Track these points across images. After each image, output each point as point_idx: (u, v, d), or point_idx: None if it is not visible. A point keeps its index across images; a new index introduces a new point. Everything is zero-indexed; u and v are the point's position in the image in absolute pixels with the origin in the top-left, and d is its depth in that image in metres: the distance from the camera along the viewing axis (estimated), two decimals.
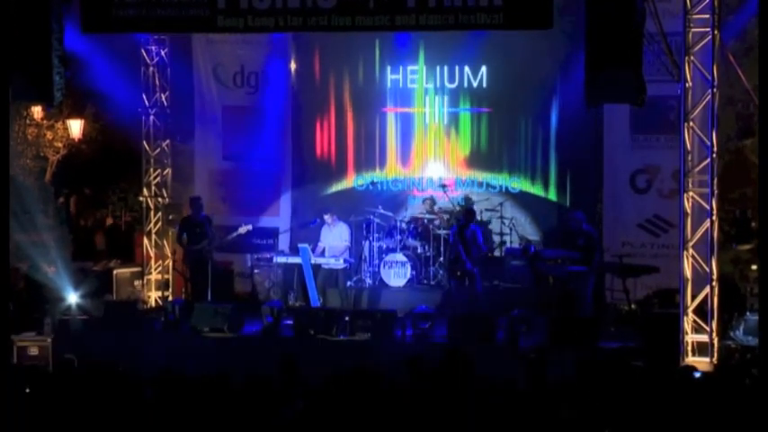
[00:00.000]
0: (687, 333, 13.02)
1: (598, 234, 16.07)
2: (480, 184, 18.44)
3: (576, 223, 15.71)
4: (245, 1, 13.83)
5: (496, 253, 17.49)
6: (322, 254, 16.96)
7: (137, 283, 18.50)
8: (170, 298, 18.10)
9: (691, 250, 13.02)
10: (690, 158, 13.06)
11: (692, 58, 12.94)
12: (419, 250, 17.51)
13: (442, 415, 8.68)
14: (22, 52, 13.52)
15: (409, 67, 18.66)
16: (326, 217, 17.10)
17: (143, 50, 18.49)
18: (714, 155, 12.93)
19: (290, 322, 15.40)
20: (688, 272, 13.05)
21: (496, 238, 17.56)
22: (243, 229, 17.30)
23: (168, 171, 18.93)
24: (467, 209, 16.51)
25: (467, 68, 18.38)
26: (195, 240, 17.04)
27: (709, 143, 12.91)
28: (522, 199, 18.30)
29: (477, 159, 18.55)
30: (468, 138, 18.62)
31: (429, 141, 18.76)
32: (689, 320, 13.02)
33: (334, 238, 17.03)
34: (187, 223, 17.32)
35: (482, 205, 17.75)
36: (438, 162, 18.68)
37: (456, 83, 18.48)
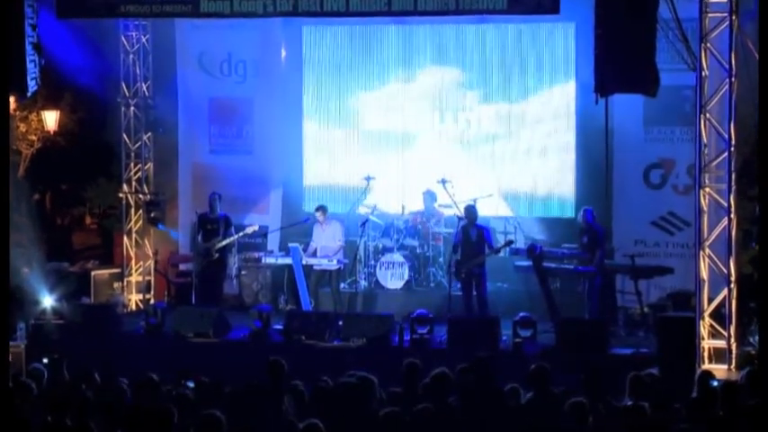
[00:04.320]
0: (704, 338, 12.99)
1: (604, 232, 16.04)
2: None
3: (583, 220, 15.73)
4: None
5: (501, 253, 17.41)
6: (314, 254, 16.92)
7: (116, 285, 18.48)
8: (152, 301, 18.09)
9: (707, 250, 12.99)
10: (706, 152, 13.05)
11: (708, 45, 12.92)
12: (418, 250, 17.48)
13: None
14: None
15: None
16: (318, 215, 17.07)
17: (123, 37, 18.46)
18: (732, 148, 12.90)
19: (279, 327, 15.37)
20: (704, 273, 13.03)
21: (500, 237, 17.50)
22: (250, 230, 17.18)
23: (150, 166, 18.91)
24: (467, 206, 16.45)
25: (472, 55, 18.43)
26: (206, 238, 16.99)
27: (726, 136, 12.89)
28: None
29: None
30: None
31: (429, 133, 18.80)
32: (705, 325, 12.99)
33: (328, 237, 16.99)
34: (201, 220, 17.23)
35: (485, 202, 17.69)
36: (438, 155, 18.69)
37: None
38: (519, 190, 18.34)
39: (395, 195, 18.53)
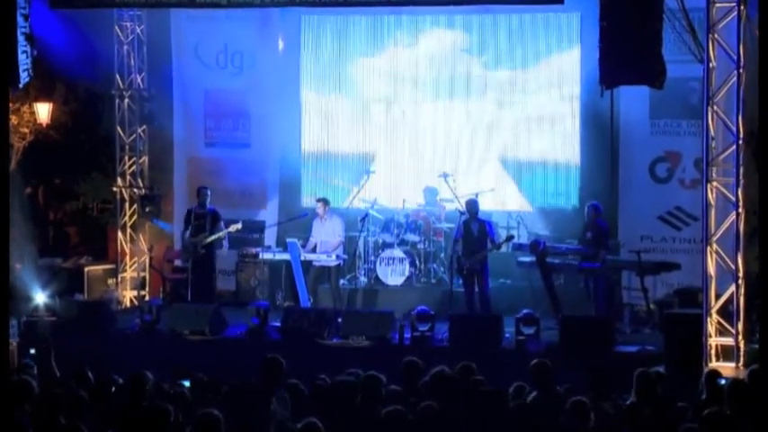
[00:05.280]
0: (711, 335, 12.99)
1: (608, 228, 16.06)
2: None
3: (588, 214, 15.75)
4: None
5: (503, 248, 17.43)
6: (313, 250, 16.91)
7: (110, 281, 18.48)
8: (147, 297, 18.06)
9: (715, 245, 12.99)
10: (714, 145, 13.04)
11: (715, 35, 12.91)
12: (418, 245, 17.47)
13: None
14: None
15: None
16: (319, 206, 17.03)
17: (117, 28, 18.45)
18: (740, 141, 12.89)
19: (277, 324, 15.37)
20: (712, 269, 13.02)
21: (502, 232, 17.51)
22: (233, 228, 17.00)
23: (144, 159, 18.92)
24: (468, 200, 16.44)
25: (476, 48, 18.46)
26: (194, 233, 16.93)
27: (734, 128, 12.88)
28: None
29: None
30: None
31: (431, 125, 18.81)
32: (713, 322, 12.99)
33: (327, 232, 16.97)
34: (190, 215, 17.16)
35: (488, 196, 17.71)
36: (440, 149, 18.71)
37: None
38: (520, 161, 18.45)
39: (396, 189, 18.54)
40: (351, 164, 18.96)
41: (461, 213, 16.33)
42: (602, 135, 17.29)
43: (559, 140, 18.25)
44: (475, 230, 16.02)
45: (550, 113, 18.29)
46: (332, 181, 18.81)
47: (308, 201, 18.81)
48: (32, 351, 12.50)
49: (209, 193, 17.08)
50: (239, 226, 17.16)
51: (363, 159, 18.81)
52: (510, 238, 16.49)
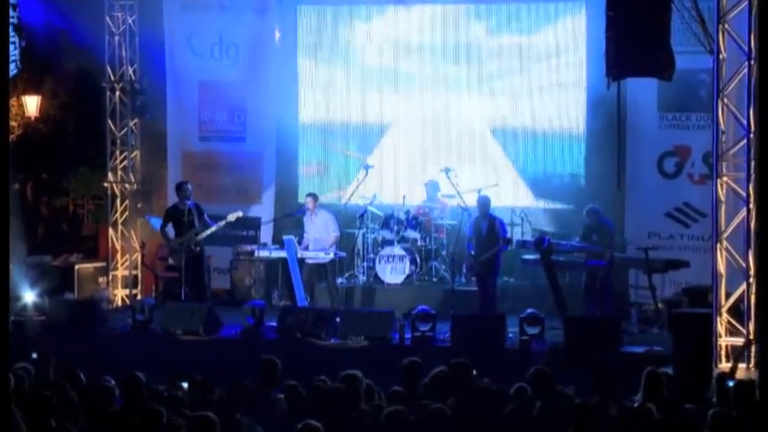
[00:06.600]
0: (721, 336, 12.96)
1: (615, 228, 16.07)
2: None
3: (591, 218, 15.76)
4: None
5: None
6: (308, 248, 16.90)
7: (101, 279, 18.49)
8: (139, 296, 18.09)
9: (725, 242, 12.96)
10: (724, 139, 13.00)
11: (726, 26, 12.88)
12: (419, 243, 17.46)
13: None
14: None
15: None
16: (308, 201, 16.97)
17: (108, 18, 18.45)
18: (751, 135, 12.83)
19: (273, 324, 15.38)
20: (722, 267, 13.00)
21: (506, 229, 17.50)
22: (232, 216, 16.70)
23: (136, 153, 18.92)
24: (478, 198, 16.40)
25: (476, 40, 18.46)
26: (181, 232, 16.84)
27: (745, 122, 12.84)
28: None
29: None
30: None
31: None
32: (723, 321, 12.97)
33: (318, 228, 16.94)
34: (172, 213, 17.02)
35: (491, 192, 17.70)
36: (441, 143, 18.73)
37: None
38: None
39: (396, 184, 18.56)
40: (352, 134, 18.97)
41: (464, 210, 16.33)
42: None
43: (564, 108, 18.20)
44: (484, 229, 16.02)
45: (555, 81, 18.25)
46: (333, 149, 18.80)
47: (304, 171, 18.95)
48: (34, 356, 12.50)
49: (190, 188, 16.97)
50: (240, 214, 16.92)
51: (368, 129, 18.89)
52: (507, 241, 16.29)
